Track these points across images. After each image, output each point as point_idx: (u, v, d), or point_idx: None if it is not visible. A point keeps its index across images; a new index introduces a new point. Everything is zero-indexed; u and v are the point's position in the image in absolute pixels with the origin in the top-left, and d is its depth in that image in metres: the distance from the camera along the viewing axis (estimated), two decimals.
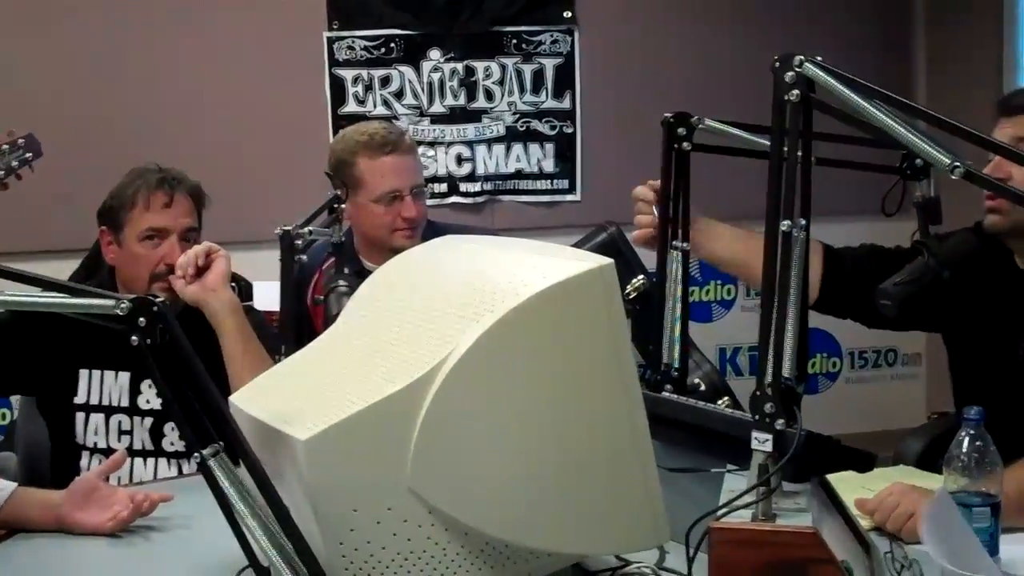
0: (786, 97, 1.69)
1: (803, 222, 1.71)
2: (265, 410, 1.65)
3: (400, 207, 2.88)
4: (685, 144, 2.12)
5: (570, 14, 4.69)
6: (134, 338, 1.53)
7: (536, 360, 1.57)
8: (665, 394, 2.06)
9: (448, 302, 1.62)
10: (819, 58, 1.69)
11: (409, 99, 4.64)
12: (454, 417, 1.53)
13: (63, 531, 2.17)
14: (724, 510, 1.68)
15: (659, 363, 2.12)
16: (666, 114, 2.15)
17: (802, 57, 1.68)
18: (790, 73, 1.68)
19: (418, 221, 2.91)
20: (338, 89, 4.61)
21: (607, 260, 1.59)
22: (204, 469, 1.53)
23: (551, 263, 1.63)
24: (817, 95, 1.71)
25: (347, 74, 4.61)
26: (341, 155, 2.96)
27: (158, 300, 1.54)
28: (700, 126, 2.13)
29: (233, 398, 1.73)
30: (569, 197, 4.72)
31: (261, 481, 1.51)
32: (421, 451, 1.53)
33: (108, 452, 2.64)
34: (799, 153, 1.72)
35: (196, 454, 1.53)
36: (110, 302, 1.56)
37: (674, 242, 2.16)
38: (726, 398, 2.69)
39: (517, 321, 1.54)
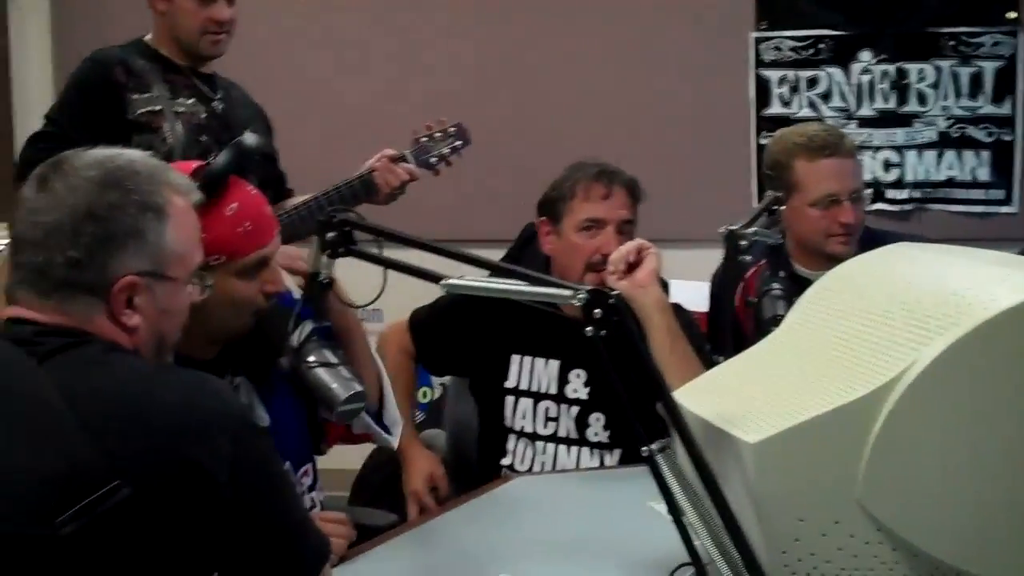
0: None
1: None
2: (710, 410, 1.63)
3: (838, 212, 2.78)
4: None
5: (1015, 14, 4.40)
6: (588, 329, 1.56)
7: (1003, 380, 1.46)
8: None
9: (908, 312, 1.55)
10: None
11: (836, 101, 4.51)
12: (911, 433, 1.46)
13: None
14: None
15: None
16: None
17: None
18: None
19: (855, 227, 2.81)
20: (763, 90, 4.56)
21: None
22: (652, 464, 1.54)
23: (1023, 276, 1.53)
24: None
25: (773, 75, 4.55)
26: (778, 156, 2.90)
27: (614, 292, 1.57)
28: None
29: (676, 395, 1.73)
30: (1005, 209, 4.44)
31: (708, 480, 1.51)
32: (874, 465, 1.46)
33: (534, 437, 2.73)
34: None
35: (645, 448, 1.54)
36: (567, 292, 1.60)
37: None
38: None
39: (986, 337, 1.44)
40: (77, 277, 1.55)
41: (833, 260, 2.74)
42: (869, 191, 4.38)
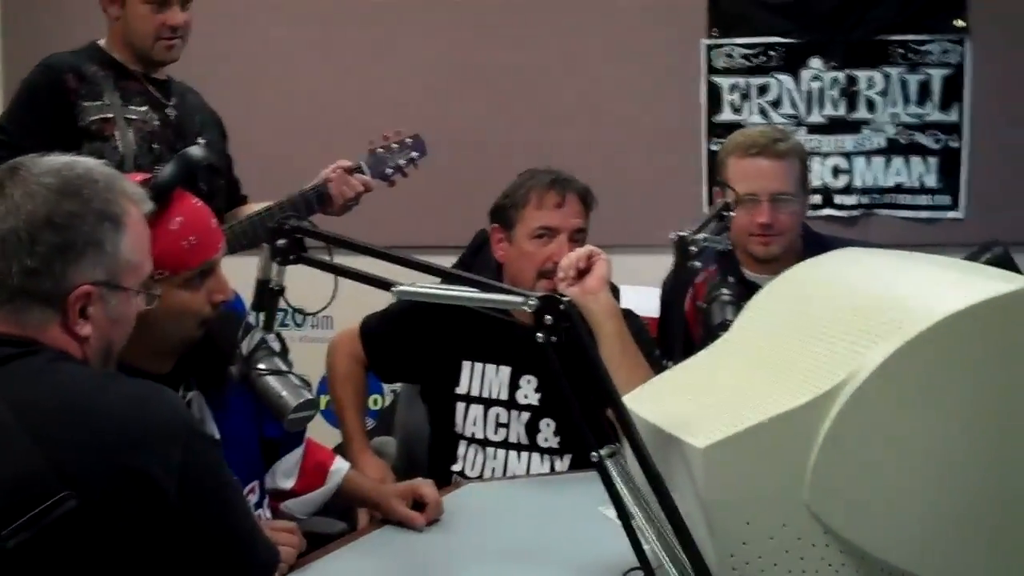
0: None
1: None
2: (659, 415, 1.64)
3: (756, 212, 2.81)
4: None
5: (962, 23, 4.46)
6: (539, 335, 1.57)
7: (949, 385, 1.48)
8: None
9: (854, 317, 1.56)
10: None
11: (787, 108, 4.55)
12: (858, 437, 1.48)
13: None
14: None
15: None
16: None
17: None
18: None
19: (774, 229, 2.82)
20: (714, 97, 4.58)
21: None
22: (601, 469, 1.55)
23: (969, 281, 1.55)
24: None
25: (724, 82, 4.58)
26: (720, 155, 2.94)
27: (565, 299, 1.57)
28: None
29: (626, 400, 1.74)
30: (951, 214, 4.49)
31: (657, 485, 1.51)
32: (821, 469, 1.48)
33: (485, 443, 2.73)
34: None
35: (594, 453, 1.55)
36: (519, 299, 1.60)
37: None
38: None
39: (930, 342, 1.46)
40: (33, 286, 1.54)
41: (772, 262, 2.78)
42: (818, 197, 4.44)
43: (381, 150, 3.14)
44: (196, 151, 2.09)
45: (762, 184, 2.83)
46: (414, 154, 3.18)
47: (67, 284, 1.55)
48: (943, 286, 1.53)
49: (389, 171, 3.15)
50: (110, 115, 2.87)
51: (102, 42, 2.99)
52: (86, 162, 1.63)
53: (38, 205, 1.54)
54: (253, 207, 3.11)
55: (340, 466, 2.41)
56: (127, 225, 1.61)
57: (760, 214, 2.81)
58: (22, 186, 1.56)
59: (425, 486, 2.32)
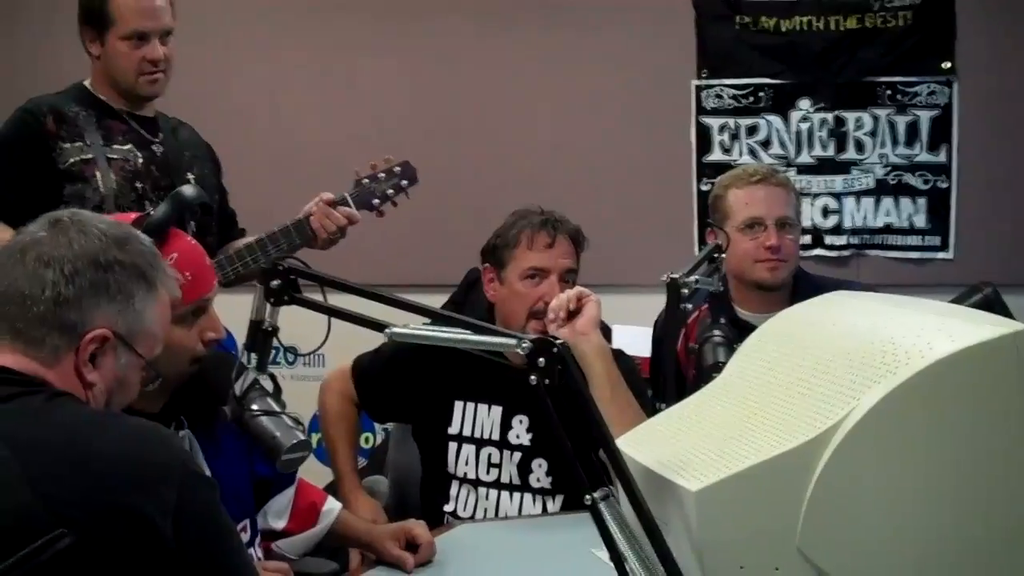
0: None
1: None
2: (652, 457, 1.64)
3: (763, 236, 2.83)
4: None
5: (949, 64, 4.50)
6: (533, 377, 1.57)
7: (941, 429, 1.49)
8: None
9: (846, 360, 1.57)
10: None
11: (776, 148, 4.58)
12: (850, 480, 1.48)
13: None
14: None
15: None
16: None
17: None
18: None
19: (782, 254, 2.84)
20: (704, 137, 4.61)
21: (1021, 326, 1.50)
22: (594, 512, 1.55)
23: (960, 325, 1.55)
24: None
25: (714, 122, 4.61)
26: (716, 191, 2.96)
27: (559, 342, 1.58)
28: None
29: (619, 443, 1.74)
30: (941, 255, 4.52)
31: (650, 528, 1.51)
32: (813, 512, 1.48)
33: (477, 483, 2.73)
34: None
35: (587, 496, 1.55)
36: (511, 340, 1.61)
37: None
38: None
39: (923, 386, 1.46)
40: (58, 314, 1.58)
41: (768, 296, 2.79)
42: (807, 238, 4.47)
43: (367, 180, 3.04)
44: (189, 190, 2.10)
45: (767, 209, 2.87)
46: (403, 182, 3.07)
47: (89, 321, 1.60)
48: (932, 330, 1.54)
49: (377, 201, 3.04)
50: (90, 156, 2.85)
51: (87, 82, 2.99)
52: (140, 234, 1.73)
53: (89, 244, 1.62)
54: (245, 240, 3.09)
55: (332, 506, 2.41)
56: (158, 293, 1.69)
57: (768, 238, 2.84)
58: (79, 227, 1.64)
59: (418, 527, 2.32)
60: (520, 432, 2.73)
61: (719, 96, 4.61)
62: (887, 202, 4.54)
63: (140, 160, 2.93)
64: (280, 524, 2.33)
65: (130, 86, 2.93)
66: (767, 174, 2.93)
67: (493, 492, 2.72)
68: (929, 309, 1.71)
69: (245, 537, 2.16)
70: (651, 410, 2.32)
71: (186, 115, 3.18)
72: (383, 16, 4.68)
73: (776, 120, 4.58)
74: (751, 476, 1.49)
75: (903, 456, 1.48)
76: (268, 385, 1.97)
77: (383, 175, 3.07)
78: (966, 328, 1.54)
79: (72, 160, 2.84)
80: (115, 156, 2.90)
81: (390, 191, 3.07)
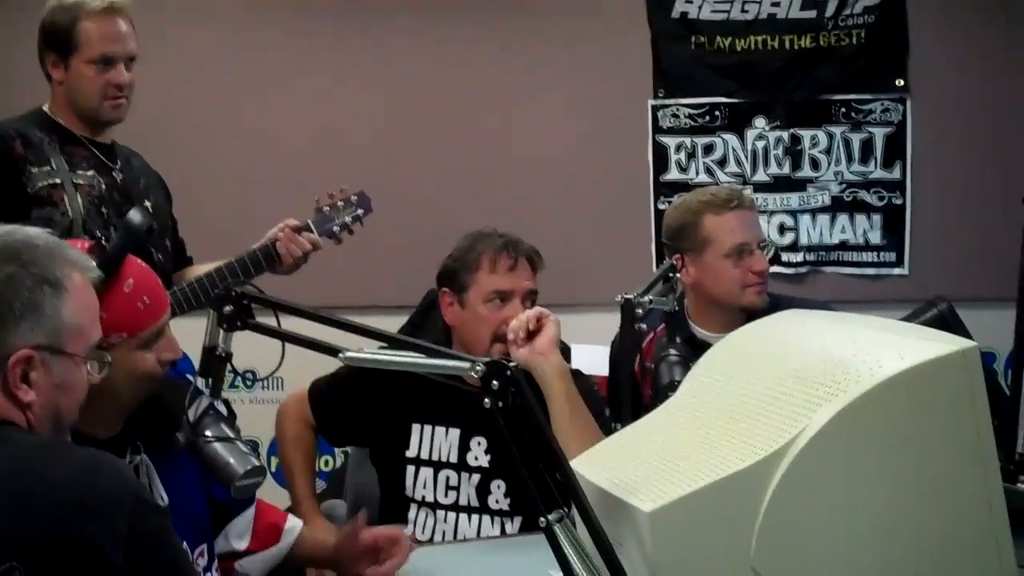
0: None
1: None
2: (606, 478, 1.65)
3: (751, 261, 2.85)
4: None
5: (902, 82, 4.56)
6: (487, 400, 1.57)
7: (891, 446, 1.50)
8: (1021, 486, 1.95)
9: (798, 379, 1.58)
10: None
11: (732, 167, 4.61)
12: (802, 498, 1.49)
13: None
14: None
15: (1012, 452, 2.01)
16: None
17: None
18: None
19: (766, 276, 2.88)
20: (661, 156, 4.64)
21: (970, 343, 1.52)
22: (549, 534, 1.55)
23: (909, 343, 1.57)
24: None
25: (670, 141, 4.64)
26: (683, 218, 2.95)
27: (511, 364, 1.58)
28: None
29: (573, 464, 1.74)
30: (896, 271, 4.56)
31: (605, 549, 1.52)
32: (766, 531, 1.49)
33: (436, 506, 2.72)
34: None
35: (542, 518, 1.55)
36: (466, 364, 1.61)
37: None
38: None
39: (873, 404, 1.48)
40: None
41: (737, 317, 2.80)
42: None
43: (327, 208, 3.14)
44: (136, 217, 2.09)
45: (753, 233, 2.90)
46: (359, 211, 3.18)
47: (5, 348, 1.55)
48: (881, 348, 1.55)
49: (336, 228, 3.14)
50: (58, 180, 2.85)
51: (46, 107, 2.97)
52: (27, 230, 1.64)
53: None
54: (199, 269, 3.09)
55: (294, 524, 2.40)
56: (69, 290, 1.61)
57: (757, 262, 2.87)
58: None
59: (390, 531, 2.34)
60: (479, 454, 2.72)
61: (675, 115, 4.64)
62: (842, 219, 4.59)
63: (103, 186, 2.92)
64: (242, 545, 2.31)
65: (93, 110, 2.91)
66: (740, 197, 2.94)
67: (451, 515, 2.71)
68: (880, 327, 1.72)
69: (203, 562, 2.14)
70: (608, 429, 2.33)
71: (139, 141, 3.17)
72: (342, 38, 4.66)
73: (732, 139, 4.62)
74: (704, 496, 1.50)
75: (854, 474, 1.50)
76: (222, 410, 1.96)
77: (341, 203, 3.16)
78: (916, 346, 1.55)
79: (41, 184, 2.83)
80: (80, 181, 2.89)
81: (348, 219, 3.17)
